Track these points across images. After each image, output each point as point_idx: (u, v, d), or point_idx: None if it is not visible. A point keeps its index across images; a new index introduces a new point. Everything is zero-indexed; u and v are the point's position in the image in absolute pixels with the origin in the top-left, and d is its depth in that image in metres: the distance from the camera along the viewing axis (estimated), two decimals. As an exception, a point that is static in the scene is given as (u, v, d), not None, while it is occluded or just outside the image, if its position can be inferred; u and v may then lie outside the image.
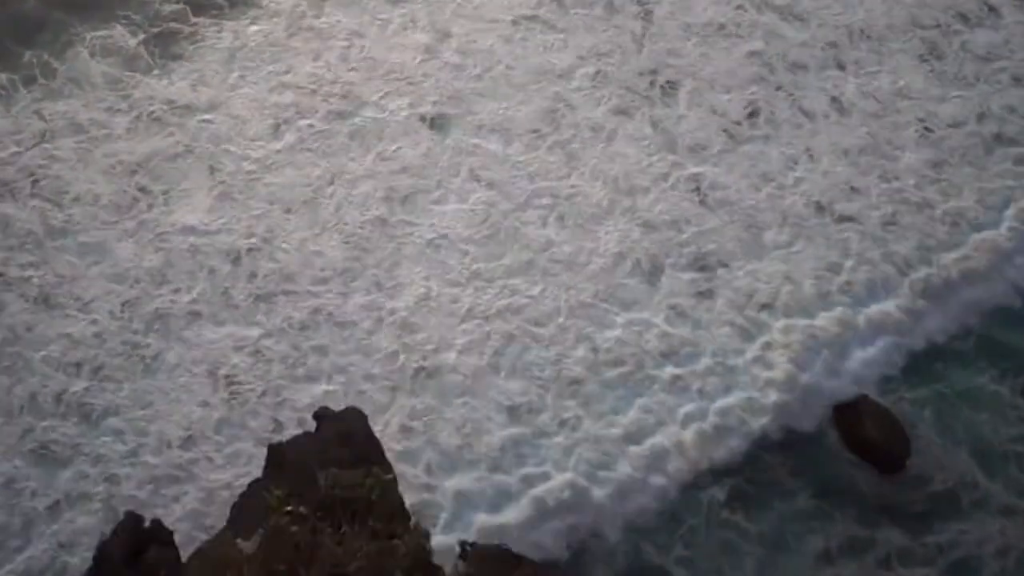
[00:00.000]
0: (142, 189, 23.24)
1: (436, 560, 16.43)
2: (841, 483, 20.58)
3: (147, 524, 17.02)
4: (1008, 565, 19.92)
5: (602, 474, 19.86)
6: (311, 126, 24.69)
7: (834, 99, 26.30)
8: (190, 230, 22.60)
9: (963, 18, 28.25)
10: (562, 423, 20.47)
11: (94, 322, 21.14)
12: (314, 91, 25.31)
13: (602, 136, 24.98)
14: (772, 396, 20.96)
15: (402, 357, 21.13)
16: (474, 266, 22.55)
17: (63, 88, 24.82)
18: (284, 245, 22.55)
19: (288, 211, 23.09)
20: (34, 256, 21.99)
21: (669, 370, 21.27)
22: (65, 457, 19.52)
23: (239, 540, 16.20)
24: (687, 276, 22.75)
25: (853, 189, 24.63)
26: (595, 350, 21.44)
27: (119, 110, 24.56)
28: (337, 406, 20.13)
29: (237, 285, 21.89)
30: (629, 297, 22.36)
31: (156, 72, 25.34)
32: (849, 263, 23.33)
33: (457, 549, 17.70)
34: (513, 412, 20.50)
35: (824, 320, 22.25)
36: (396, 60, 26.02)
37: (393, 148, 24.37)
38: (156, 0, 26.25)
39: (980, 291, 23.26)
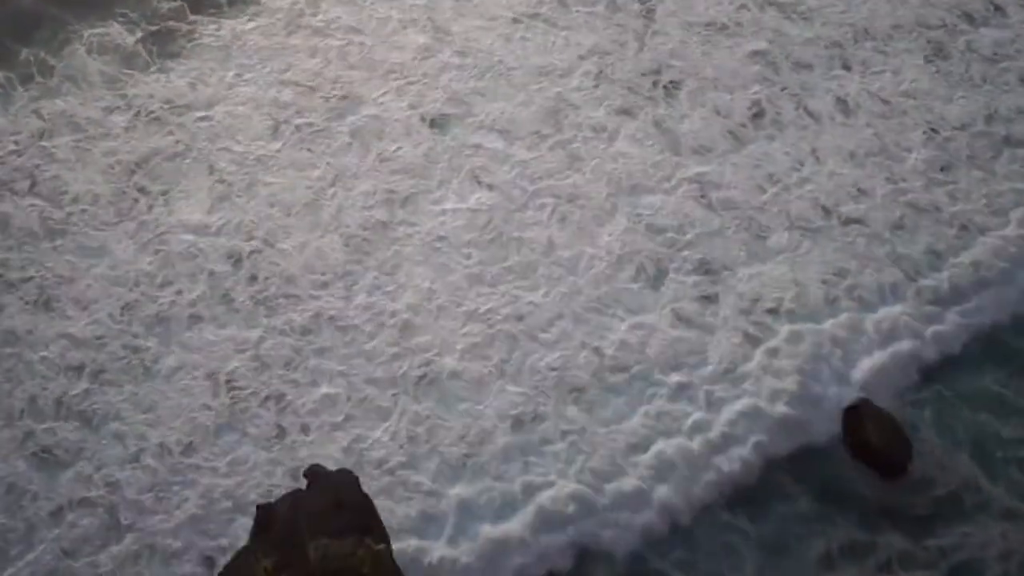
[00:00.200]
0: (141, 189, 23.11)
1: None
2: (842, 486, 20.42)
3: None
4: (1011, 569, 19.74)
5: (606, 483, 19.67)
6: (311, 125, 24.56)
7: (839, 99, 26.12)
8: (190, 231, 22.48)
9: (969, 18, 28.06)
10: (565, 431, 20.29)
11: (95, 323, 21.01)
12: (314, 90, 25.18)
13: (604, 136, 24.82)
14: (779, 404, 20.77)
15: (404, 360, 20.96)
16: (476, 268, 22.38)
17: (60, 86, 24.72)
18: (285, 247, 22.40)
19: (288, 213, 22.96)
20: (34, 257, 21.87)
21: (674, 377, 21.07)
22: (66, 461, 19.37)
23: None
24: (691, 280, 22.57)
25: (860, 191, 24.44)
26: (599, 355, 21.27)
27: (117, 108, 24.46)
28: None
29: (238, 288, 21.75)
30: (633, 301, 22.17)
31: (154, 70, 25.23)
32: (856, 267, 23.12)
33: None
34: (516, 419, 20.33)
35: (831, 325, 22.07)
36: (396, 59, 25.88)
37: (393, 148, 24.21)
38: (153, -3, 26.15)
39: (990, 295, 23.03)
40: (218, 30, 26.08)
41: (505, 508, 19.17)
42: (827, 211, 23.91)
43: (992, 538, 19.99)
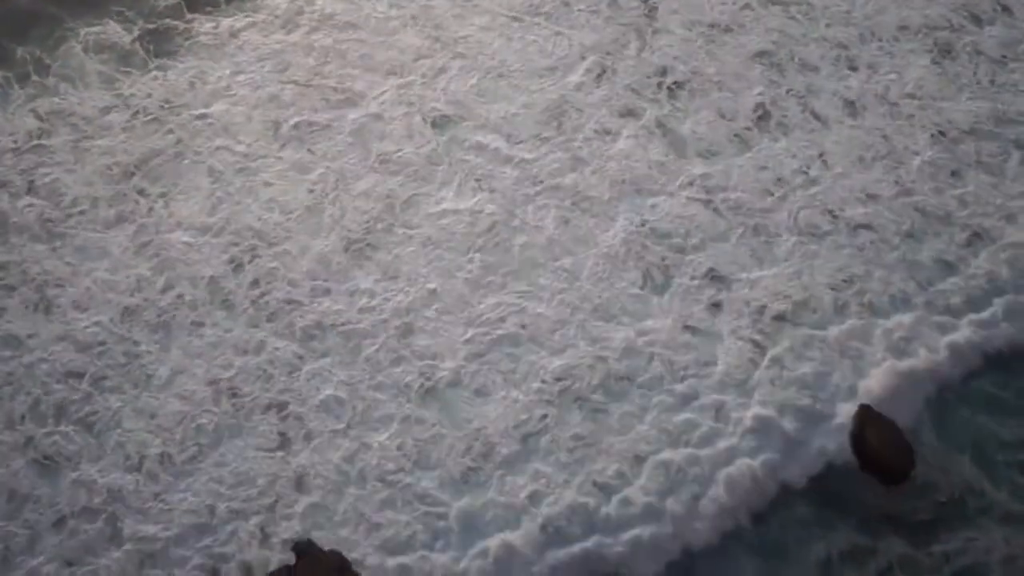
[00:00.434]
0: (140, 191, 22.93)
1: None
2: (843, 490, 20.30)
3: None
4: (1014, 574, 19.69)
5: (612, 494, 19.51)
6: (311, 124, 24.35)
7: (846, 101, 25.86)
8: (190, 233, 22.28)
9: (975, 18, 27.76)
10: (572, 438, 20.12)
11: (96, 326, 20.87)
12: (313, 89, 24.95)
13: (607, 138, 24.59)
14: (786, 413, 20.63)
15: (405, 364, 20.78)
16: (478, 271, 22.18)
17: (57, 85, 24.57)
18: (285, 249, 22.19)
19: (289, 215, 22.75)
20: (33, 258, 21.70)
21: (679, 385, 20.89)
22: (67, 468, 19.27)
23: None
24: (697, 284, 22.34)
25: (868, 196, 24.18)
26: (603, 361, 21.08)
27: (115, 108, 24.28)
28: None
29: (239, 292, 21.55)
30: (638, 308, 21.93)
31: (151, 69, 25.03)
32: (864, 273, 22.91)
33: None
34: (520, 428, 20.15)
35: (838, 332, 21.90)
36: (396, 58, 25.66)
37: (394, 148, 24.01)
38: (150, -5, 25.97)
39: (1000, 300, 22.83)
40: (216, 28, 25.89)
41: (510, 520, 19.02)
42: (834, 216, 23.68)
43: (995, 542, 19.90)
